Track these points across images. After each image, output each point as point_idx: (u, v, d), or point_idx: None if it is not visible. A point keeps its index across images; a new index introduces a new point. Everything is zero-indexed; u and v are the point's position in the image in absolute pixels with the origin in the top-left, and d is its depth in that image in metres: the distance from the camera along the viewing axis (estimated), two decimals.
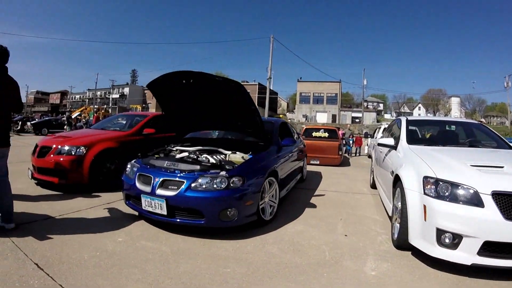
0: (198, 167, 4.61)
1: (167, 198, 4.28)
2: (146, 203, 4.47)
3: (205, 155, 5.21)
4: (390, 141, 5.73)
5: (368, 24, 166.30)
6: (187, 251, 3.93)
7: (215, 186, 4.29)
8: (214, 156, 5.16)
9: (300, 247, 4.21)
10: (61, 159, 6.39)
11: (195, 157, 5.18)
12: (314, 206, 6.24)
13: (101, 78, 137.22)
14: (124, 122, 8.92)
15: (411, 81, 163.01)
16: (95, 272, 3.29)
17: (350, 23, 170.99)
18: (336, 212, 5.90)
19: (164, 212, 4.31)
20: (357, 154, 19.93)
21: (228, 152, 5.39)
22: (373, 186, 8.04)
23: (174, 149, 5.85)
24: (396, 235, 4.21)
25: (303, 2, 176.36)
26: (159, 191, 4.38)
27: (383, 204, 6.12)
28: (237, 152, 5.38)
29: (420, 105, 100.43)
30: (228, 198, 4.27)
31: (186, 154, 5.43)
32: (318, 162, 12.86)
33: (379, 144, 6.14)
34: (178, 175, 4.46)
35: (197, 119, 6.32)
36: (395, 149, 5.46)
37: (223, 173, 4.41)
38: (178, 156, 5.40)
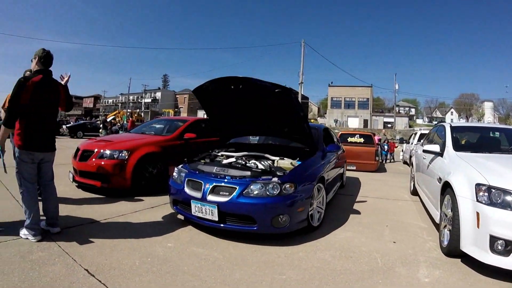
0: (249, 173, 4.57)
1: (218, 204, 4.25)
2: (196, 209, 4.44)
3: (253, 161, 5.17)
4: (436, 147, 5.60)
5: (399, 27, 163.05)
6: (239, 257, 3.87)
7: (267, 192, 4.24)
8: (262, 162, 5.11)
9: (351, 253, 4.13)
10: (104, 163, 6.42)
11: (243, 162, 5.14)
12: (358, 212, 6.13)
13: (134, 83, 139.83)
14: (164, 126, 8.98)
15: (443, 85, 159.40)
16: (149, 279, 3.25)
17: (381, 27, 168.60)
18: (381, 218, 5.79)
19: (215, 218, 4.27)
20: (391, 160, 19.46)
21: (276, 158, 5.33)
22: (414, 192, 7.88)
23: (219, 154, 5.83)
24: (446, 242, 4.13)
25: (334, 6, 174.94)
26: (210, 197, 4.35)
27: (426, 210, 6.11)
28: (285, 158, 5.32)
29: (452, 109, 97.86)
30: (281, 204, 4.22)
31: (233, 159, 5.40)
32: (354, 168, 12.62)
33: (424, 151, 6.01)
34: (230, 181, 4.42)
35: (242, 125, 6.28)
36: (441, 156, 5.35)
37: (275, 179, 4.35)
38: (225, 161, 5.37)
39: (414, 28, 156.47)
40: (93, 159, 6.56)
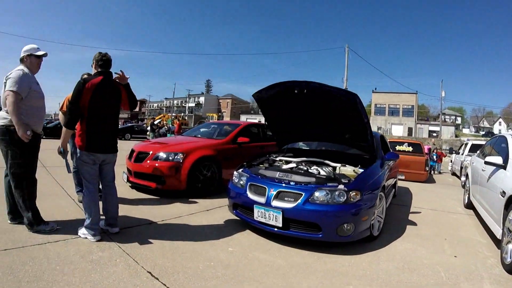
0: (314, 179, 4.49)
1: (283, 210, 4.19)
2: (259, 214, 4.40)
3: (314, 167, 5.09)
4: (498, 159, 5.36)
5: (446, 31, 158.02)
6: (303, 265, 3.79)
7: (334, 199, 4.16)
8: (324, 168, 5.03)
9: (414, 265, 4.00)
10: (160, 165, 6.50)
11: (305, 168, 5.07)
12: (414, 223, 5.94)
13: (178, 88, 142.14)
14: (215, 130, 9.01)
15: (491, 94, 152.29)
16: (215, 284, 3.21)
17: (426, 31, 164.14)
18: (438, 231, 5.58)
19: (279, 224, 4.21)
20: (439, 171, 18.64)
21: (338, 165, 5.23)
22: (468, 206, 7.58)
23: (277, 159, 5.78)
24: (509, 259, 3.94)
25: (378, 11, 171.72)
26: (275, 203, 4.30)
27: (483, 225, 5.93)
28: (346, 165, 5.22)
29: (500, 119, 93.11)
30: (347, 212, 4.14)
31: (293, 165, 5.33)
32: (403, 178, 12.24)
33: (486, 163, 5.78)
34: (295, 186, 4.37)
35: (301, 130, 6.21)
36: (504, 169, 5.13)
37: (341, 186, 4.27)
38: (285, 167, 5.31)
39: (462, 32, 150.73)
40: (148, 161, 6.65)
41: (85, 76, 5.68)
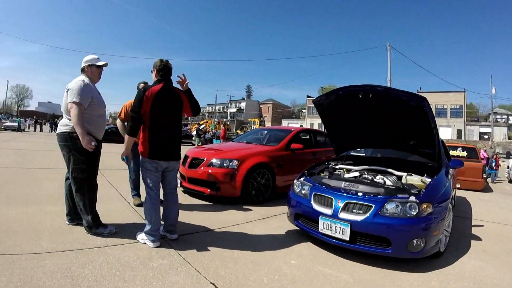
0: (382, 190, 4.25)
1: (351, 223, 3.97)
2: (325, 226, 4.19)
3: (380, 176, 4.83)
4: None
5: (492, 24, 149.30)
6: (371, 282, 3.58)
7: (405, 212, 3.89)
8: (389, 178, 4.77)
9: (485, 286, 3.70)
10: (215, 171, 6.47)
11: (370, 177, 4.83)
12: (478, 238, 5.53)
13: (219, 93, 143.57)
14: (266, 136, 8.92)
15: None
16: None
17: (473, 24, 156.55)
18: (505, 247, 5.16)
19: (346, 238, 3.99)
20: (495, 180, 16.55)
21: (403, 174, 4.94)
22: None
23: (337, 167, 5.57)
24: None
25: (419, 7, 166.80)
26: (343, 215, 4.09)
27: None
28: (413, 174, 4.92)
29: None
30: (418, 226, 3.85)
31: (356, 174, 5.12)
32: (459, 186, 11.24)
33: None
34: (364, 198, 4.13)
35: (361, 136, 5.95)
36: None
37: (412, 198, 3.99)
38: (348, 176, 5.10)
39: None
40: (203, 167, 6.66)
41: (142, 84, 5.76)
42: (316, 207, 4.39)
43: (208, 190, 6.50)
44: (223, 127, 34.34)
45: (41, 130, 42.68)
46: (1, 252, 3.45)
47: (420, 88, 65.82)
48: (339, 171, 5.43)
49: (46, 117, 74.41)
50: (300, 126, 69.85)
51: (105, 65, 4.41)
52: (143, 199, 5.86)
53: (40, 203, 5.51)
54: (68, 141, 4.08)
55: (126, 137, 4.16)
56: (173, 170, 4.37)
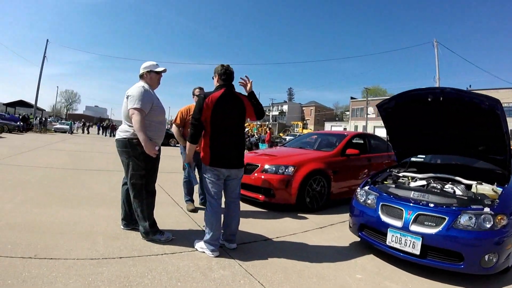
0: (455, 200, 3.97)
1: (423, 236, 3.72)
2: (394, 239, 3.94)
3: (449, 185, 4.53)
4: None
5: None
6: None
7: (479, 225, 3.60)
8: (458, 187, 4.47)
9: None
10: (269, 177, 6.33)
11: (439, 186, 4.55)
12: None
13: (261, 97, 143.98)
14: (317, 141, 8.72)
15: None
16: None
17: None
18: None
19: (417, 252, 3.74)
20: None
21: (473, 182, 4.60)
22: None
23: (400, 175, 5.29)
24: None
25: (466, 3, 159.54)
26: (414, 227, 3.84)
27: None
28: (483, 183, 4.55)
29: None
30: (493, 240, 3.55)
31: (423, 182, 4.83)
32: None
33: None
34: (436, 209, 3.87)
35: (425, 141, 5.61)
36: None
37: (487, 209, 3.69)
38: (414, 184, 4.84)
39: None
40: (257, 173, 6.54)
41: (197, 90, 5.75)
42: (385, 218, 4.16)
43: (262, 196, 6.37)
44: (268, 131, 34.20)
45: (88, 132, 44.52)
46: (57, 256, 3.41)
47: (470, 86, 62.78)
48: (403, 179, 5.16)
49: (93, 120, 77.55)
50: (344, 129, 69.05)
51: (164, 71, 4.39)
52: (196, 204, 5.89)
53: (93, 205, 5.59)
54: (128, 147, 4.05)
55: (188, 144, 4.10)
56: (236, 178, 4.22)
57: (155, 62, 4.38)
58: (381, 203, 4.31)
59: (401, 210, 4.03)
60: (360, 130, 64.97)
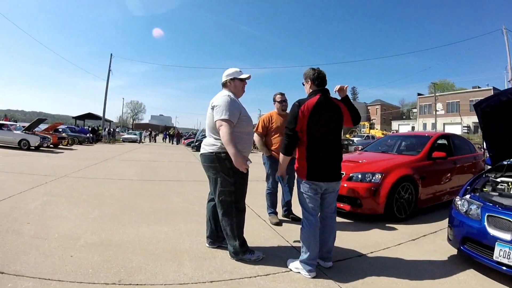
0: None
1: None
2: (502, 253, 3.55)
3: None
4: None
5: None
6: None
7: None
8: None
9: None
10: (356, 186, 6.04)
11: None
12: None
13: None
14: (397, 143, 8.34)
15: None
16: None
17: None
18: None
19: None
20: None
21: None
22: None
23: (498, 180, 4.82)
24: None
25: None
26: None
27: None
28: None
29: None
30: None
31: None
32: None
33: None
34: None
35: None
36: None
37: None
38: None
39: None
40: (342, 182, 6.19)
41: (278, 96, 5.82)
42: (491, 230, 3.76)
43: (349, 206, 6.09)
44: None
45: (155, 141, 46.28)
46: (142, 281, 3.26)
47: None
48: (501, 185, 4.69)
49: (159, 129, 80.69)
50: (412, 127, 66.62)
51: (248, 77, 4.19)
52: (279, 216, 5.72)
53: (172, 220, 5.52)
54: (216, 162, 3.85)
55: (281, 156, 3.89)
56: (333, 192, 3.91)
57: (238, 69, 4.19)
58: (486, 214, 3.92)
59: (510, 221, 3.66)
60: (429, 128, 62.63)
